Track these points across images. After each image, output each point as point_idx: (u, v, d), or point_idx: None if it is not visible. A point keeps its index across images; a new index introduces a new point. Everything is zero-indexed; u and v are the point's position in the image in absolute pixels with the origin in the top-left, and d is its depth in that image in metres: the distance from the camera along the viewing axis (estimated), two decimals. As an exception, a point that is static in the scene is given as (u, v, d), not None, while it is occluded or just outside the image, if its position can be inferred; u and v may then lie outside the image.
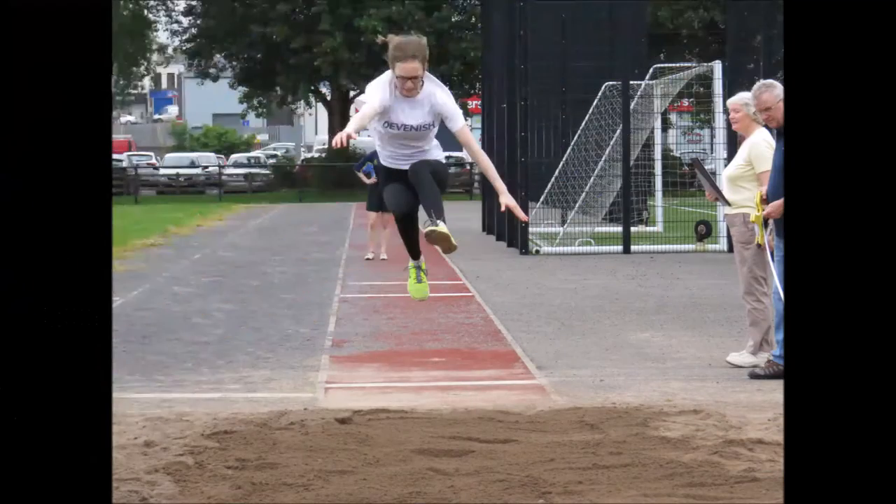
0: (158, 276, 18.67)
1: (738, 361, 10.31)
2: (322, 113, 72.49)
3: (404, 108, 7.51)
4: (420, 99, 7.50)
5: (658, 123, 26.39)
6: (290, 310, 14.65)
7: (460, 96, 51.20)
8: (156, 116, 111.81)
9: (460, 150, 39.51)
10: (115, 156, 55.15)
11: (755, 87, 9.95)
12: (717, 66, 23.46)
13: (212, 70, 58.28)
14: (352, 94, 55.40)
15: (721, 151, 22.28)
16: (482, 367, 10.66)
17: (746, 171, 10.31)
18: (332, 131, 53.91)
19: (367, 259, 20.72)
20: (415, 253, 8.10)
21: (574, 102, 25.99)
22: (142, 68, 66.94)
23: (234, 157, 65.29)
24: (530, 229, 22.65)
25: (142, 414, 8.46)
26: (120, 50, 58.56)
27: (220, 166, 58.26)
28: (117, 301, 14.66)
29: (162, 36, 65.90)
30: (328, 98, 58.14)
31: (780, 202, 9.42)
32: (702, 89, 25.75)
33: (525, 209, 15.89)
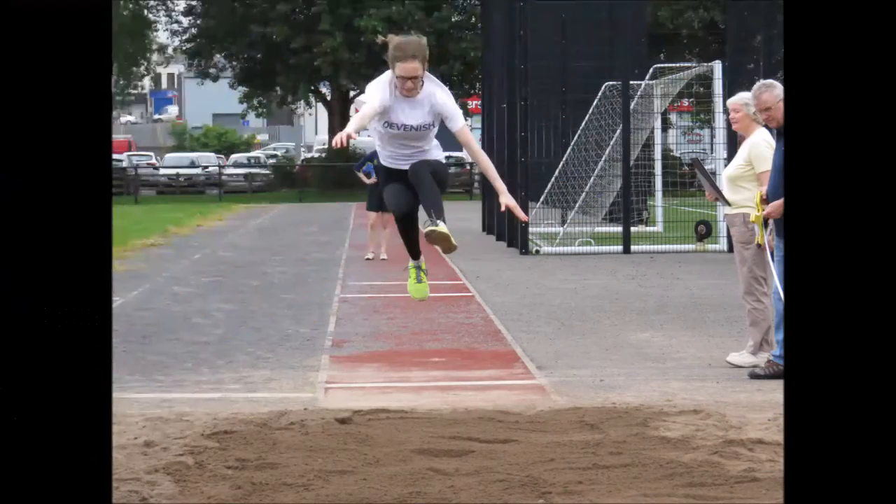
0: (158, 276, 18.66)
1: (738, 361, 10.31)
2: (322, 113, 72.49)
3: (404, 108, 7.51)
4: (420, 99, 7.50)
5: (658, 123, 26.39)
6: (290, 310, 14.64)
7: (460, 96, 51.20)
8: (156, 116, 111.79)
9: (460, 150, 39.50)
10: (115, 156, 55.13)
11: (755, 87, 9.94)
12: (717, 66, 23.46)
13: (212, 70, 58.28)
14: (352, 94, 55.39)
15: (721, 151, 22.27)
16: (482, 367, 10.65)
17: (746, 171, 10.30)
18: (332, 131, 53.90)
19: (367, 259, 20.72)
20: (415, 253, 8.10)
21: (574, 102, 25.98)
22: (142, 68, 66.94)
23: (234, 157, 65.28)
24: (530, 229, 22.64)
25: (142, 414, 8.46)
26: (120, 50, 58.56)
27: (220, 166, 58.25)
28: (117, 301, 14.65)
29: (162, 36, 65.93)
30: (328, 98, 58.13)
31: (780, 202, 9.42)
32: (702, 89, 25.75)
33: (525, 209, 15.89)
